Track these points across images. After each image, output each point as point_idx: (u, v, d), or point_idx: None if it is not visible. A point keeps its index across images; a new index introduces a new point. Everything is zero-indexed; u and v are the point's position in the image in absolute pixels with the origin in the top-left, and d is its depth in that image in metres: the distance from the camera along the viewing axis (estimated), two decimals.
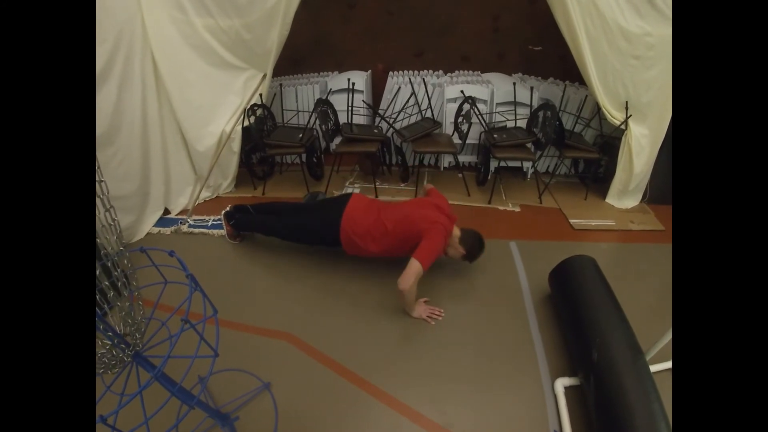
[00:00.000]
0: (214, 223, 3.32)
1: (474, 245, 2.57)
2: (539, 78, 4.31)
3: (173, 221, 3.36)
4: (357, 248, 2.54)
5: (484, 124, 3.82)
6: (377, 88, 4.44)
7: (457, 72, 4.42)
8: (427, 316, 2.42)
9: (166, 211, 3.49)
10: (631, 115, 3.31)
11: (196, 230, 3.25)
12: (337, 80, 4.12)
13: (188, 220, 3.38)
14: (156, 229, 3.27)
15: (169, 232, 3.24)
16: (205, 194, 3.71)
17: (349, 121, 3.93)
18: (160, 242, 3.14)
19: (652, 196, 3.72)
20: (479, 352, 2.24)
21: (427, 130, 3.78)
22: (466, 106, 3.66)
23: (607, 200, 3.74)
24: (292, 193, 3.76)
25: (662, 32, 2.98)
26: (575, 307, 2.15)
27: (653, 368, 2.02)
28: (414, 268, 2.23)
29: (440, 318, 2.43)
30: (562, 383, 2.01)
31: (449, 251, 2.58)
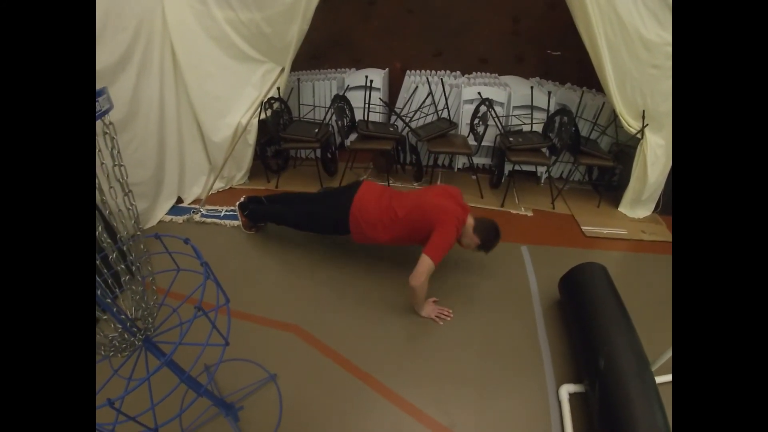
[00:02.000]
0: (227, 213, 3.34)
1: (489, 235, 2.48)
2: (557, 83, 4.28)
3: (186, 210, 3.39)
4: (366, 236, 2.50)
5: (500, 127, 3.81)
6: (394, 86, 4.45)
7: (474, 73, 4.42)
8: (436, 316, 2.41)
9: (179, 200, 3.53)
10: (647, 125, 3.28)
11: (209, 220, 3.28)
12: (355, 77, 4.13)
13: (201, 209, 3.40)
14: (168, 217, 3.30)
15: (181, 221, 3.27)
16: (219, 185, 3.74)
17: (366, 118, 3.94)
18: (172, 230, 3.17)
19: (665, 207, 3.68)
20: (486, 355, 2.23)
21: (442, 130, 3.78)
22: (483, 108, 3.65)
23: (619, 209, 3.71)
24: (305, 188, 3.77)
25: None
26: (584, 314, 2.14)
27: (658, 380, 2.00)
28: (425, 264, 2.21)
29: (449, 319, 2.43)
30: (567, 389, 2.00)
31: (464, 241, 2.49)
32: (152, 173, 3.17)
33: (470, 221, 2.47)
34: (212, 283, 1.30)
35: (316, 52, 4.47)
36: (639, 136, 3.32)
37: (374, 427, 1.86)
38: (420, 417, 1.90)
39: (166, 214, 3.34)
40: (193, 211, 3.35)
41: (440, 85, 3.96)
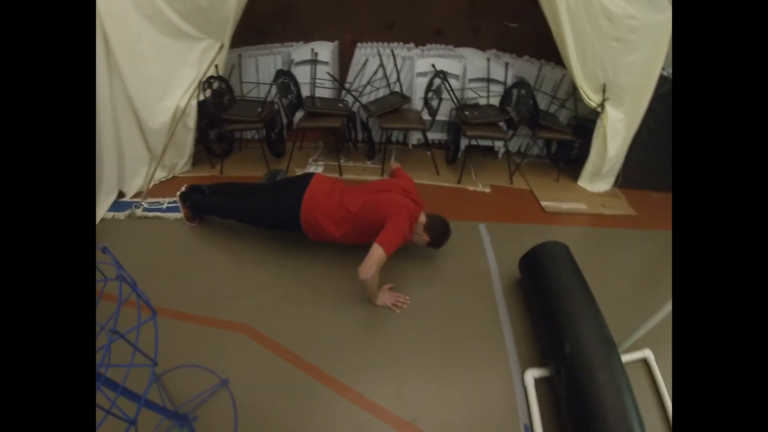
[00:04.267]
0: (169, 206, 3.13)
1: (439, 232, 2.50)
2: (514, 55, 4.19)
3: (128, 205, 3.16)
4: (319, 233, 2.43)
5: (456, 101, 3.71)
6: (345, 60, 4.26)
7: (428, 45, 4.28)
8: (392, 304, 2.32)
9: (121, 194, 3.28)
10: (608, 98, 3.25)
11: (151, 214, 3.06)
12: (302, 51, 3.92)
13: (143, 203, 3.18)
14: (110, 215, 3.05)
15: (123, 217, 3.03)
16: (161, 174, 3.50)
17: (312, 93, 3.75)
18: (114, 228, 2.93)
19: (624, 181, 3.72)
20: (447, 342, 2.17)
21: (395, 105, 3.63)
22: (437, 81, 3.53)
23: (578, 183, 3.72)
24: (252, 172, 3.57)
25: (646, 16, 2.91)
26: (547, 297, 2.09)
27: (626, 358, 1.99)
28: (376, 254, 2.11)
29: (405, 306, 2.34)
30: (532, 375, 1.97)
31: (414, 238, 2.48)
32: None
33: (422, 218, 2.46)
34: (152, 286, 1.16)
35: (262, 26, 4.21)
36: (599, 109, 3.30)
37: (335, 429, 1.77)
38: (382, 414, 1.82)
39: (108, 210, 3.09)
40: (135, 206, 3.13)
41: (392, 58, 3.80)
